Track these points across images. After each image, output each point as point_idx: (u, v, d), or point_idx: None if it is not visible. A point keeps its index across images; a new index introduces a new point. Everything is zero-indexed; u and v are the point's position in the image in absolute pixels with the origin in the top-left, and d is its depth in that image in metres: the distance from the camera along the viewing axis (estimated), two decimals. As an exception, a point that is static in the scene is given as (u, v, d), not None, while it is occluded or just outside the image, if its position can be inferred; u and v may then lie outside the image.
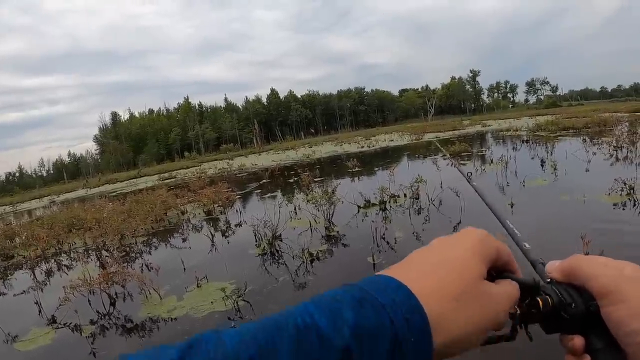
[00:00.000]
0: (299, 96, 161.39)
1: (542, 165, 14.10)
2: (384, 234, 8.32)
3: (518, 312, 0.69)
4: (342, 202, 10.66)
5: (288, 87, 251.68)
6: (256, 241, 9.26)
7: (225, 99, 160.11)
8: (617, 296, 0.61)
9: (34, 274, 10.63)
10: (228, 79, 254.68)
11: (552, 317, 0.69)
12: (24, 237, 14.79)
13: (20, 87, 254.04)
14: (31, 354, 5.89)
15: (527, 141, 23.82)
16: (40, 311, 7.49)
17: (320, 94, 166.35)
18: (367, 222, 9.34)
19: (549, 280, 0.74)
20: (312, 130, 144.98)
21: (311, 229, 9.66)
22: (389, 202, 11.18)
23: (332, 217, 10.07)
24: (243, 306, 5.98)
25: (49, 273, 10.59)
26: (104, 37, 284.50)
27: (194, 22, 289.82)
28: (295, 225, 10.22)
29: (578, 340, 0.67)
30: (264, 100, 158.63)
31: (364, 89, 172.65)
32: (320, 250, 8.03)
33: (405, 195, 11.55)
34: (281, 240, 8.96)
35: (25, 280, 10.18)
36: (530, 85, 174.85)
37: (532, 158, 16.30)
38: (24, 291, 9.19)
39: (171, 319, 6.11)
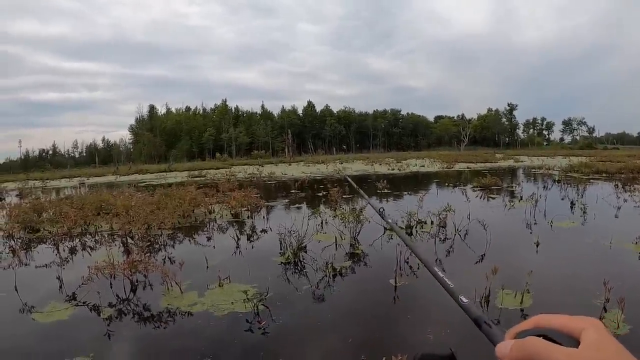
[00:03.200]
0: (335, 111, 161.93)
1: (571, 207, 13.93)
2: (407, 258, 8.30)
3: None
4: (369, 221, 10.67)
5: (325, 101, 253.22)
6: (281, 249, 9.33)
7: (262, 106, 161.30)
8: None
9: (58, 250, 10.88)
10: (266, 87, 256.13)
11: None
12: (51, 213, 15.13)
13: (61, 69, 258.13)
14: (47, 326, 6.02)
15: (558, 181, 23.60)
16: (61, 287, 7.69)
17: (356, 112, 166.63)
18: (391, 245, 9.35)
19: None
20: (344, 147, 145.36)
21: (336, 245, 9.68)
22: (416, 227, 11.17)
23: (357, 235, 10.10)
24: (262, 311, 6.03)
25: (72, 251, 10.81)
26: (148, 32, 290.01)
27: (237, 27, 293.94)
28: (320, 239, 10.26)
29: None
30: (300, 111, 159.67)
31: (399, 111, 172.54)
32: (344, 267, 8.04)
33: (432, 223, 11.52)
34: (306, 252, 9.01)
35: (48, 255, 10.44)
36: (567, 124, 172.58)
37: (562, 199, 16.10)
38: (46, 265, 9.43)
39: (189, 313, 6.18)
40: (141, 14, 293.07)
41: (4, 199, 28.77)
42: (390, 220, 1.16)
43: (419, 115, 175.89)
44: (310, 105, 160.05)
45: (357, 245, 9.57)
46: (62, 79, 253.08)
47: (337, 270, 7.80)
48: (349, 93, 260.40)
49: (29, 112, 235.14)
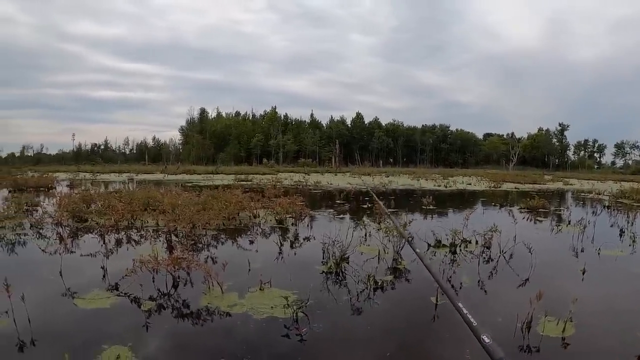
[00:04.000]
0: (384, 124, 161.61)
1: (620, 235, 13.45)
2: (450, 277, 8.19)
3: None
4: (413, 237, 10.59)
5: (374, 113, 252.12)
6: (323, 259, 9.32)
7: (312, 115, 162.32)
8: None
9: (104, 241, 11.17)
10: (316, 96, 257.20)
11: None
12: (99, 205, 15.59)
13: (118, 69, 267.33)
14: (88, 312, 6.19)
15: (608, 207, 22.86)
16: (104, 276, 7.89)
17: (404, 125, 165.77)
18: (435, 262, 9.23)
19: None
20: (391, 160, 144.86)
21: (379, 258, 9.59)
22: (460, 246, 11.01)
23: (401, 250, 10.02)
24: (301, 318, 6.03)
25: (118, 243, 11.09)
26: (203, 36, 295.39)
27: (289, 36, 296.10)
28: (364, 251, 10.18)
29: None
30: (349, 122, 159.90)
31: (448, 127, 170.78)
32: (385, 281, 7.97)
33: (476, 242, 11.33)
34: (348, 263, 8.95)
35: (94, 245, 10.72)
36: (619, 147, 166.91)
37: (612, 226, 15.56)
38: (91, 254, 9.68)
39: (228, 314, 6.23)
40: (197, 19, 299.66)
41: (55, 187, 29.85)
42: (418, 250, 1.14)
43: (468, 132, 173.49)
44: (359, 117, 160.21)
45: (400, 260, 9.47)
46: (118, 79, 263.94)
47: (379, 283, 7.74)
48: (398, 106, 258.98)
49: (84, 107, 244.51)
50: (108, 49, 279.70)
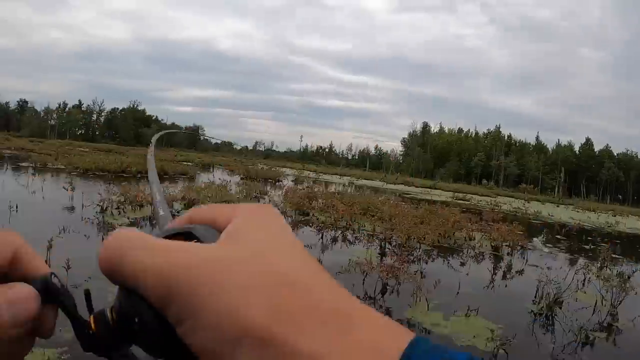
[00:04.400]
0: (615, 154, 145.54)
1: None
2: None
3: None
4: (636, 292, 9.43)
5: (605, 140, 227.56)
6: (535, 297, 8.80)
7: (537, 137, 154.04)
8: (182, 307, 0.34)
9: (322, 236, 12.13)
10: (541, 116, 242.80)
11: (126, 338, 0.39)
12: (321, 203, 16.75)
13: (344, 80, 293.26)
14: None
15: None
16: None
17: (639, 157, 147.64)
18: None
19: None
20: (619, 197, 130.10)
21: (594, 309, 8.78)
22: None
23: (619, 304, 9.03)
24: (501, 355, 5.84)
25: (334, 240, 12.01)
26: (425, 51, 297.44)
27: (512, 51, 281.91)
28: (579, 297, 9.36)
29: None
30: (577, 148, 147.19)
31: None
32: (597, 337, 7.32)
33: None
34: (560, 308, 8.36)
35: (312, 238, 11.68)
36: None
37: None
38: (308, 245, 10.39)
39: (428, 331, 6.30)
40: (419, 35, 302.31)
41: (281, 181, 32.71)
42: None
43: None
44: (587, 143, 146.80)
45: (616, 316, 8.60)
46: (344, 89, 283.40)
47: (589, 339, 7.11)
48: (634, 133, 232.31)
49: (312, 113, 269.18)
50: (334, 62, 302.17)
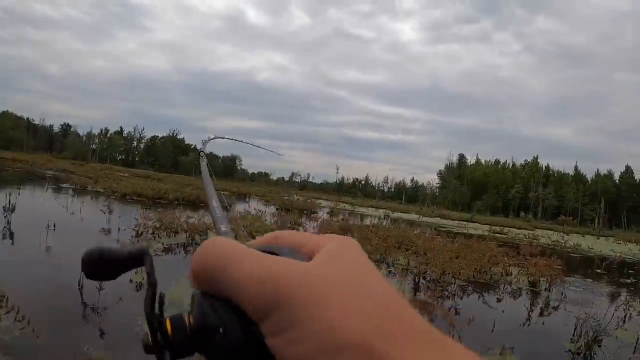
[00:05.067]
0: None
1: None
2: None
3: (151, 341, 0.40)
4: None
5: None
6: (574, 335, 8.51)
7: (576, 167, 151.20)
8: (285, 316, 0.35)
9: None
10: (580, 145, 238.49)
11: (199, 348, 0.40)
12: (356, 235, 16.55)
13: (380, 112, 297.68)
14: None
15: None
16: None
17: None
18: None
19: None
20: None
21: (635, 348, 8.47)
22: None
23: None
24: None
25: None
26: (460, 82, 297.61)
27: (549, 79, 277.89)
28: (619, 335, 9.01)
29: None
30: (616, 177, 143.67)
31: None
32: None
33: None
34: (600, 347, 8.04)
35: None
36: None
37: None
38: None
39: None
40: (454, 66, 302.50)
41: (317, 212, 32.87)
42: None
43: None
44: (628, 171, 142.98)
45: None
46: (380, 121, 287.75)
47: None
48: None
49: (349, 144, 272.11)
50: (370, 94, 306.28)
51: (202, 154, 1.34)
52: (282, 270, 0.37)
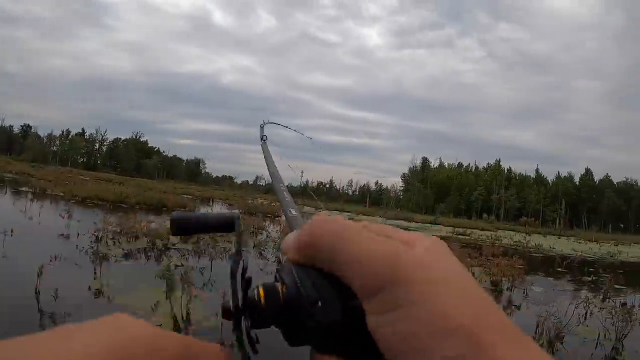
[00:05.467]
0: (615, 182, 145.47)
1: None
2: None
3: (232, 306, 0.40)
4: None
5: (604, 169, 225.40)
6: (536, 333, 8.62)
7: (537, 170, 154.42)
8: (398, 296, 0.35)
9: None
10: (541, 149, 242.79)
11: (289, 319, 0.40)
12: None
13: (346, 116, 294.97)
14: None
15: None
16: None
17: (639, 185, 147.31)
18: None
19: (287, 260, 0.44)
20: (621, 226, 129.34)
21: (597, 343, 8.54)
22: None
23: (624, 338, 8.81)
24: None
25: None
26: (426, 87, 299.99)
27: (511, 85, 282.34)
28: (581, 332, 9.17)
29: None
30: (576, 179, 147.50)
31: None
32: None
33: None
34: (562, 343, 8.16)
35: None
36: None
37: None
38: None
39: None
40: (419, 71, 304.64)
41: (281, 216, 32.70)
42: None
43: None
44: (588, 174, 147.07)
45: (621, 351, 8.32)
46: (345, 125, 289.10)
47: None
48: (633, 160, 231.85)
49: (313, 148, 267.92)
50: (336, 98, 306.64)
51: (264, 137, 1.32)
52: (400, 251, 0.38)
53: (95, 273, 9.14)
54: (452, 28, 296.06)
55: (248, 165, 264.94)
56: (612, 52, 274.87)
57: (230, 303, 0.40)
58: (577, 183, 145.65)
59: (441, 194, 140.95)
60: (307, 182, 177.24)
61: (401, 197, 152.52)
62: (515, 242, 36.46)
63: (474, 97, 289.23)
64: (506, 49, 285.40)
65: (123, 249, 12.13)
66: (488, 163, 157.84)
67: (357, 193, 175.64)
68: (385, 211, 75.08)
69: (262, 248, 14.45)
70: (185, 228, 0.48)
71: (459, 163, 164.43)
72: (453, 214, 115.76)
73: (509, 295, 12.50)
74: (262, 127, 1.43)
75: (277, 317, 0.40)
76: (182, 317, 6.72)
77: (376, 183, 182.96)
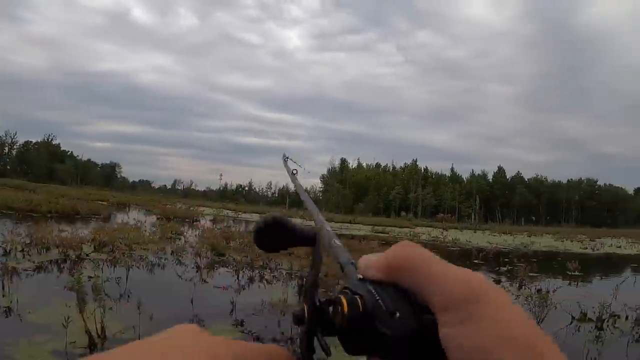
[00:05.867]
0: (526, 179, 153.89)
1: None
2: (595, 359, 7.51)
3: (306, 314, 0.46)
4: (556, 307, 9.81)
5: (516, 167, 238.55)
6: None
7: (452, 169, 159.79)
8: (472, 311, 0.41)
9: (238, 277, 11.72)
10: (456, 149, 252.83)
11: (359, 329, 0.44)
12: (238, 243, 16.37)
13: (264, 118, 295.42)
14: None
15: None
16: (232, 311, 8.21)
17: (548, 181, 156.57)
18: (578, 339, 8.50)
19: (360, 277, 0.49)
20: (533, 218, 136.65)
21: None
22: (608, 321, 10.06)
23: (541, 322, 9.30)
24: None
25: (251, 280, 11.65)
26: (345, 90, 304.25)
27: (428, 89, 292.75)
28: None
29: None
30: (490, 177, 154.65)
31: (596, 181, 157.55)
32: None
33: (627, 318, 10.29)
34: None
35: (228, 279, 11.35)
36: None
37: None
38: (223, 287, 10.20)
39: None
40: (338, 74, 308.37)
41: (199, 220, 32.11)
42: None
43: (618, 187, 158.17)
44: (500, 171, 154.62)
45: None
46: (264, 127, 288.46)
47: None
48: (542, 159, 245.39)
49: (232, 151, 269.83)
50: (255, 100, 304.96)
51: (294, 172, 1.37)
52: (472, 275, 0.44)
53: (3, 290, 8.66)
54: (372, 33, 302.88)
55: (166, 169, 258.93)
56: (523, 58, 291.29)
57: (305, 311, 0.46)
58: (490, 180, 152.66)
59: (360, 193, 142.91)
60: (225, 185, 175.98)
61: (320, 197, 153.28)
62: (433, 237, 37.57)
63: (391, 100, 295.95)
64: (423, 54, 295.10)
65: (34, 262, 11.54)
66: (405, 163, 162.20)
67: (276, 195, 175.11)
68: (304, 212, 75.21)
69: (179, 255, 14.12)
70: (271, 243, 0.53)
71: (376, 163, 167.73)
72: (372, 213, 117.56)
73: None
74: (285, 161, 1.46)
75: (356, 325, 0.44)
76: (97, 333, 6.46)
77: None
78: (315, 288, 0.47)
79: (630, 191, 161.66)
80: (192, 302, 8.29)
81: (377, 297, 0.44)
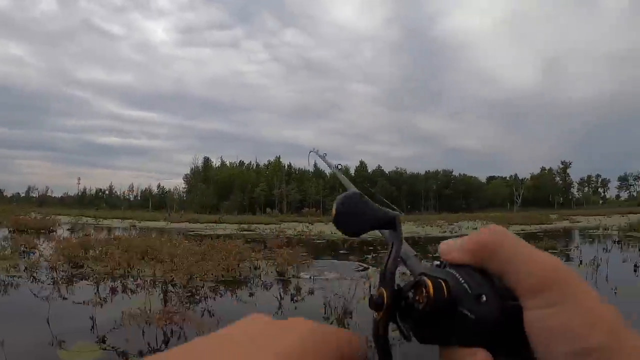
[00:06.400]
0: (387, 172, 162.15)
1: (635, 271, 13.21)
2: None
3: (385, 299, 0.46)
4: None
5: (379, 162, 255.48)
6: (325, 313, 8.73)
7: (315, 165, 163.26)
8: (559, 294, 0.41)
9: (97, 289, 10.80)
10: (320, 146, 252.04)
11: (442, 313, 0.43)
12: (97, 252, 15.21)
13: (123, 116, 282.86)
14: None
15: (618, 242, 22.51)
16: (93, 327, 7.40)
17: (408, 173, 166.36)
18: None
19: (439, 263, 0.48)
20: (395, 208, 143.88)
21: (385, 312, 9.02)
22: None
23: None
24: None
25: (112, 291, 10.69)
26: (209, 87, 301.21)
27: (293, 87, 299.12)
28: (367, 304, 9.59)
29: (483, 356, 0.42)
30: (352, 171, 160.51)
31: (451, 172, 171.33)
32: (393, 337, 7.45)
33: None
34: (351, 317, 8.40)
35: (87, 292, 10.31)
36: (623, 180, 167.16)
37: (624, 261, 15.16)
38: (83, 302, 9.24)
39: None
40: (202, 70, 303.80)
41: (56, 231, 29.73)
42: None
43: (471, 177, 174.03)
44: (362, 166, 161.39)
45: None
46: (124, 125, 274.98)
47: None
48: (403, 154, 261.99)
49: (90, 152, 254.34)
50: (115, 96, 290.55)
51: (339, 166, 1.31)
52: (557, 260, 0.44)
53: None
54: (239, 29, 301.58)
55: (18, 174, 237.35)
56: (386, 61, 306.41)
57: (385, 296, 0.48)
58: (353, 174, 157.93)
59: (224, 192, 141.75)
60: (84, 190, 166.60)
61: (185, 198, 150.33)
62: (299, 232, 37.71)
63: (256, 97, 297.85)
64: (290, 53, 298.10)
65: None
66: (269, 160, 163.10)
67: (139, 198, 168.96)
68: (169, 214, 72.82)
69: (33, 271, 12.82)
70: (351, 224, 0.53)
71: (240, 161, 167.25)
72: (237, 211, 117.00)
73: (297, 282, 12.63)
74: (323, 157, 1.47)
75: (440, 309, 0.44)
76: None
77: (158, 186, 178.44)
78: (394, 272, 0.47)
79: (483, 179, 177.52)
80: (49, 323, 7.38)
81: (462, 281, 0.44)
